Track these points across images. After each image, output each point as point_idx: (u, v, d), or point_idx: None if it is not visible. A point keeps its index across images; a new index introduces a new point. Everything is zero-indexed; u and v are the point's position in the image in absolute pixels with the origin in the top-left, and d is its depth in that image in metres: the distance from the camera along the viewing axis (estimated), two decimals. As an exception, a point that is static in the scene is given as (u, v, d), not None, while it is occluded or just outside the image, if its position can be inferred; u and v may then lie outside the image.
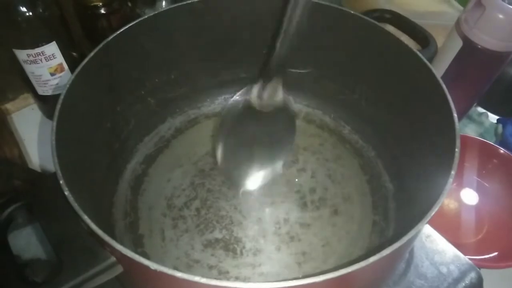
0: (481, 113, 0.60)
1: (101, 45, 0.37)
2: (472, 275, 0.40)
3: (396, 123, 0.42)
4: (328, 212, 0.42)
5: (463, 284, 0.39)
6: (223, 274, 0.37)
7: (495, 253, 0.45)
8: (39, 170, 0.51)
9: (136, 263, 0.24)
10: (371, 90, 0.44)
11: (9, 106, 0.58)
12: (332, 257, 0.39)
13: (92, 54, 0.36)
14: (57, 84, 0.52)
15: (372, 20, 0.40)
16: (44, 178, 0.31)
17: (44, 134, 0.55)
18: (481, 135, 0.58)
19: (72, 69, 0.52)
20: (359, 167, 0.45)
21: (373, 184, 0.43)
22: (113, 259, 0.26)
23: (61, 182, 0.27)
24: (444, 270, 0.40)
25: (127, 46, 0.40)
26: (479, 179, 0.51)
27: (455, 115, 0.32)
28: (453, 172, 0.29)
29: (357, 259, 0.38)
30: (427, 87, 0.36)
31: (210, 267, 0.38)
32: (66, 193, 0.26)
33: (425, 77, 0.36)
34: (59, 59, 0.50)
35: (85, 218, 0.25)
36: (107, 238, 0.25)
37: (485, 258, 0.44)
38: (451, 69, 0.47)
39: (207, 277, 0.36)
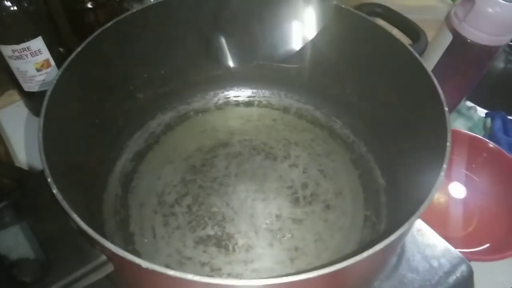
0: (470, 107, 0.61)
1: (88, 40, 0.36)
2: (463, 268, 0.40)
3: (387, 117, 0.42)
4: (320, 207, 0.41)
5: (454, 277, 0.39)
6: (215, 271, 0.37)
7: (486, 246, 0.45)
8: (26, 168, 0.50)
9: (127, 261, 0.24)
10: (362, 84, 0.43)
11: (-6, 103, 0.56)
12: (324, 253, 0.39)
13: (79, 49, 0.35)
14: (43, 80, 0.50)
15: (363, 14, 0.40)
16: (31, 176, 0.30)
17: (31, 131, 0.54)
18: (470, 129, 0.58)
19: (58, 65, 0.51)
20: (351, 162, 0.45)
21: (365, 179, 0.43)
22: (103, 257, 0.26)
23: (49, 180, 0.26)
24: (435, 263, 0.40)
25: (115, 41, 0.39)
26: (468, 173, 0.51)
27: (446, 109, 0.32)
28: (444, 166, 0.29)
29: (350, 254, 0.38)
30: (418, 81, 0.36)
31: (202, 264, 0.38)
32: (55, 191, 0.26)
33: (416, 72, 0.36)
34: (45, 54, 0.49)
35: (75, 217, 0.25)
36: (97, 236, 0.24)
37: (475, 251, 0.45)
38: (441, 63, 0.47)
39: (199, 274, 0.36)
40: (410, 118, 0.38)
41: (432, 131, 0.34)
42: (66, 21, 0.53)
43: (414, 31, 0.41)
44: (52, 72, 0.50)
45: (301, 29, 0.44)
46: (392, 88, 0.40)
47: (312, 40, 0.44)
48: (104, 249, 0.25)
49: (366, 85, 0.43)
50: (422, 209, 0.26)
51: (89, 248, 0.26)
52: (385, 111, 0.42)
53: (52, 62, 0.50)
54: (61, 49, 0.51)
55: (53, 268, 0.25)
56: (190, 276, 0.23)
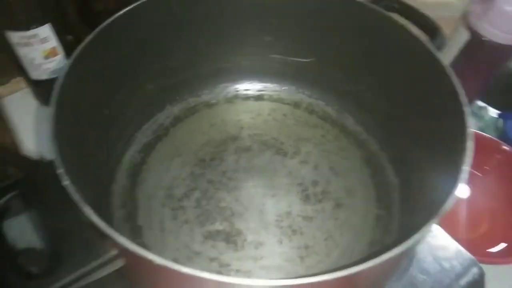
0: (482, 107, 0.60)
1: (98, 29, 0.35)
2: (474, 270, 0.39)
3: (402, 115, 0.41)
4: (331, 205, 0.41)
5: (466, 280, 0.39)
6: (224, 267, 0.37)
7: (498, 248, 0.44)
8: (31, 156, 0.49)
9: (139, 257, 0.23)
10: (377, 80, 0.43)
11: (0, 90, 0.56)
12: (335, 251, 0.38)
13: (90, 38, 0.34)
14: (51, 68, 0.50)
15: (381, 9, 0.39)
16: (40, 166, 0.30)
17: (37, 120, 0.53)
18: (480, 129, 0.58)
19: (67, 52, 0.50)
20: (363, 160, 0.44)
21: (377, 177, 0.43)
22: (114, 252, 0.25)
23: (60, 171, 0.26)
24: (446, 265, 0.39)
25: (125, 30, 0.38)
26: (479, 174, 0.50)
27: (466, 109, 0.31)
28: (466, 168, 0.28)
29: (361, 254, 0.38)
30: (436, 79, 0.35)
31: (211, 259, 0.37)
32: (66, 183, 0.25)
33: (434, 69, 0.35)
34: (53, 42, 0.48)
35: (86, 210, 0.24)
36: (109, 231, 0.24)
37: (487, 253, 0.44)
38: (457, 61, 0.47)
39: (208, 269, 0.35)
40: (427, 117, 0.37)
41: (450, 131, 0.33)
42: (74, 8, 0.52)
43: (431, 28, 0.40)
44: (59, 60, 0.50)
45: (316, 22, 0.43)
46: (408, 86, 0.39)
47: (327, 34, 0.43)
48: (115, 244, 0.24)
49: (380, 82, 0.42)
50: (441, 213, 0.26)
51: (100, 242, 0.25)
52: (400, 109, 0.41)
53: (60, 50, 0.49)
54: (69, 37, 0.51)
55: (62, 261, 0.24)
56: (204, 274, 0.22)
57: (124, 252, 0.25)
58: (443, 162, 0.32)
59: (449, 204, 0.26)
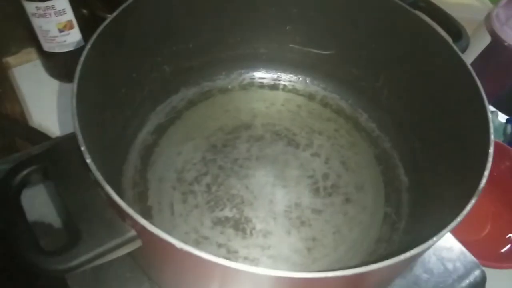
0: (492, 112, 0.60)
1: (123, 6, 0.35)
2: (477, 273, 0.40)
3: (418, 115, 0.41)
4: (340, 200, 0.41)
5: (467, 282, 0.39)
6: (231, 253, 0.37)
7: (499, 253, 0.45)
8: (39, 128, 0.49)
9: (159, 239, 0.23)
10: (395, 78, 0.42)
11: (10, 60, 0.55)
12: (342, 245, 0.38)
13: (114, 15, 0.34)
14: (64, 41, 0.49)
15: (407, 6, 0.38)
16: (59, 141, 0.29)
17: (46, 92, 0.53)
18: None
19: (81, 27, 0.49)
20: (374, 157, 0.44)
21: (387, 175, 0.43)
22: (133, 232, 0.25)
23: (82, 148, 0.25)
24: (450, 266, 0.40)
25: (147, 10, 0.37)
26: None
27: (489, 114, 0.31)
28: (486, 173, 0.28)
29: (367, 250, 0.38)
30: (458, 81, 0.35)
31: (219, 245, 0.37)
32: (88, 161, 0.25)
33: (457, 71, 0.35)
34: (69, 15, 0.47)
35: (108, 189, 0.24)
36: (130, 211, 0.24)
37: (490, 256, 0.44)
38: (476, 64, 0.46)
39: (216, 255, 0.35)
40: (446, 118, 0.37)
41: (469, 135, 0.33)
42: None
43: (456, 29, 0.40)
44: (74, 34, 0.49)
45: (339, 15, 0.42)
46: (428, 86, 0.39)
47: (348, 28, 0.43)
48: (135, 224, 0.24)
49: (399, 80, 0.42)
50: (455, 224, 0.26)
51: (119, 222, 0.25)
52: (416, 108, 0.41)
53: (75, 24, 0.48)
54: (84, 11, 0.50)
55: (82, 239, 0.24)
56: (226, 262, 0.22)
57: (143, 233, 0.25)
58: (458, 169, 0.32)
59: (461, 217, 0.26)
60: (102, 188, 0.24)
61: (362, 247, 0.38)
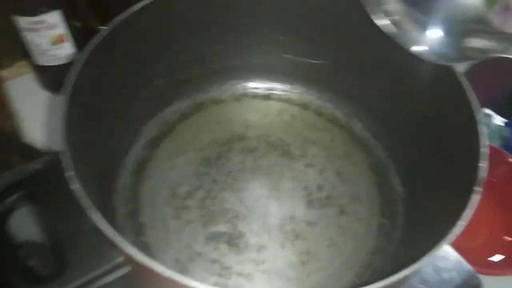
0: (487, 115, 0.60)
1: (115, 22, 0.35)
2: (473, 282, 0.40)
3: (413, 124, 0.40)
4: (335, 211, 0.41)
5: (464, 292, 0.39)
6: (225, 269, 0.37)
7: (497, 260, 0.45)
8: (33, 144, 0.48)
9: (146, 268, 0.23)
10: (389, 88, 0.42)
11: (3, 73, 0.55)
12: (337, 258, 0.38)
13: (106, 31, 0.34)
14: (57, 54, 0.49)
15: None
16: (47, 163, 0.29)
17: (39, 106, 0.52)
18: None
19: (75, 39, 0.49)
20: (369, 167, 0.44)
21: (383, 185, 0.42)
22: (121, 259, 0.25)
23: (69, 174, 0.25)
24: (446, 276, 0.39)
25: (141, 24, 0.37)
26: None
27: (480, 127, 0.31)
28: (477, 189, 0.28)
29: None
30: (450, 90, 0.35)
31: (213, 261, 0.37)
32: (76, 187, 0.25)
33: (448, 78, 0.35)
34: (62, 29, 0.47)
35: (95, 216, 0.24)
36: (117, 239, 0.23)
37: (486, 264, 0.44)
38: (471, 70, 0.46)
39: (209, 271, 0.35)
40: (439, 127, 0.37)
41: (463, 145, 0.33)
42: (83, -5, 0.51)
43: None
44: (66, 47, 0.49)
45: (332, 25, 0.42)
46: (422, 94, 0.39)
47: (341, 37, 0.43)
48: (122, 252, 0.24)
49: (393, 88, 0.42)
50: (452, 237, 0.25)
51: (107, 248, 0.25)
52: (411, 117, 0.41)
53: (68, 37, 0.48)
54: (77, 24, 0.50)
55: (69, 267, 0.24)
56: (212, 290, 0.22)
57: (131, 260, 0.25)
58: (453, 180, 0.32)
59: (459, 229, 0.26)
60: (90, 216, 0.24)
61: (357, 259, 0.38)
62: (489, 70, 0.46)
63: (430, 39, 0.35)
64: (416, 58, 0.37)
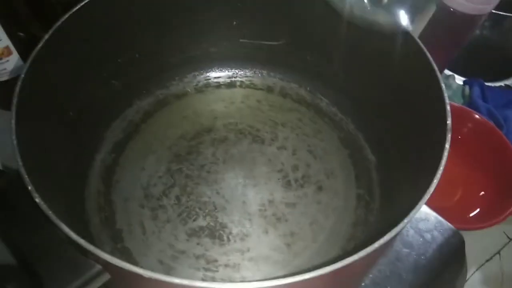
0: (448, 76, 0.61)
1: (54, 27, 0.33)
2: (455, 239, 0.40)
3: (377, 94, 0.41)
4: (312, 189, 0.41)
5: (447, 249, 0.40)
6: (211, 263, 0.36)
7: (473, 215, 0.46)
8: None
9: (126, 271, 0.22)
10: (349, 60, 0.42)
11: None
12: (320, 235, 0.38)
13: (46, 37, 0.32)
14: (4, 69, 0.46)
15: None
16: (5, 180, 0.28)
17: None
18: (448, 97, 0.59)
19: (20, 51, 0.46)
20: (340, 141, 0.44)
21: (355, 157, 0.43)
22: (98, 267, 0.24)
23: (29, 188, 0.24)
24: (428, 237, 0.40)
25: (83, 25, 0.36)
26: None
27: (442, 85, 0.31)
28: (447, 146, 0.28)
29: (346, 236, 0.38)
30: (409, 54, 0.35)
31: (197, 257, 0.36)
32: (37, 200, 0.23)
33: (407, 44, 0.35)
34: (5, 41, 0.44)
35: (63, 227, 0.22)
36: (90, 247, 0.22)
37: (464, 220, 0.45)
38: (426, 33, 0.46)
39: (195, 267, 0.34)
40: (402, 94, 0.37)
41: (426, 107, 0.33)
42: (24, 3, 0.48)
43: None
44: (13, 60, 0.46)
45: (284, 3, 0.42)
46: (382, 63, 0.39)
47: (295, 15, 0.42)
48: (98, 259, 0.23)
49: (353, 61, 0.42)
50: (427, 197, 0.26)
51: (81, 258, 0.24)
52: (374, 87, 0.41)
53: (13, 49, 0.46)
54: (21, 34, 0.47)
55: (44, 284, 0.22)
56: (199, 283, 0.21)
57: (109, 267, 0.24)
58: (421, 142, 0.32)
59: (433, 187, 0.26)
60: (58, 226, 0.23)
61: (340, 233, 0.38)
62: (443, 31, 0.46)
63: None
64: (372, 26, 0.37)
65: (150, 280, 0.22)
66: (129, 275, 0.22)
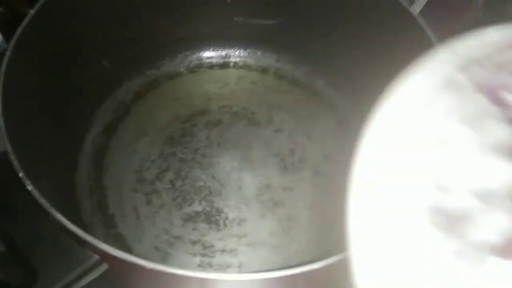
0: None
1: (40, 3, 0.31)
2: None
3: (375, 74, 0.40)
4: (309, 173, 0.40)
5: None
6: (208, 248, 0.35)
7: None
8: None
9: (127, 262, 0.21)
10: (347, 38, 0.41)
11: None
12: (317, 220, 0.38)
13: (31, 14, 0.30)
14: (-15, 47, 0.44)
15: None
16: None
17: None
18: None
19: (2, 28, 0.44)
20: (337, 123, 0.43)
21: (351, 140, 0.42)
22: (96, 257, 0.23)
23: (20, 175, 0.22)
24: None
25: (71, 3, 0.33)
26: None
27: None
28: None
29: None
30: (409, 31, 0.34)
31: (194, 243, 0.35)
32: (30, 188, 0.22)
33: (406, 21, 0.34)
34: (-16, 16, 0.42)
35: (59, 216, 0.21)
36: (88, 237, 0.21)
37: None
38: (423, 13, 0.46)
39: (191, 253, 0.34)
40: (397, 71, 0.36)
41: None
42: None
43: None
44: (-5, 37, 0.44)
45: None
46: (381, 42, 0.38)
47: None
48: (96, 250, 0.22)
49: (351, 40, 0.41)
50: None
51: (78, 249, 0.23)
52: (372, 67, 0.40)
53: (-7, 26, 0.43)
54: (0, 9, 0.44)
55: (39, 276, 0.21)
56: (202, 275, 0.20)
57: (107, 257, 0.23)
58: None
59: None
60: (53, 216, 0.22)
61: (337, 218, 0.38)
62: (443, 9, 0.46)
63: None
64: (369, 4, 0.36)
65: (152, 271, 0.21)
66: (129, 266, 0.21)
